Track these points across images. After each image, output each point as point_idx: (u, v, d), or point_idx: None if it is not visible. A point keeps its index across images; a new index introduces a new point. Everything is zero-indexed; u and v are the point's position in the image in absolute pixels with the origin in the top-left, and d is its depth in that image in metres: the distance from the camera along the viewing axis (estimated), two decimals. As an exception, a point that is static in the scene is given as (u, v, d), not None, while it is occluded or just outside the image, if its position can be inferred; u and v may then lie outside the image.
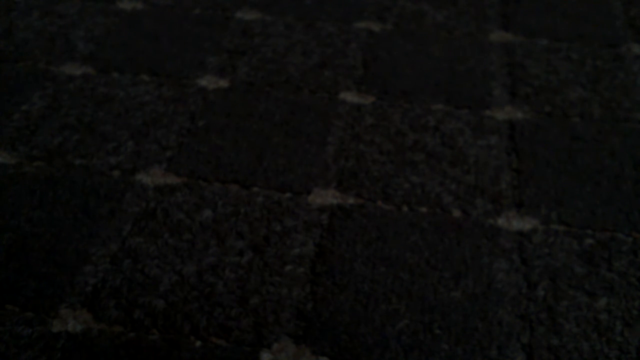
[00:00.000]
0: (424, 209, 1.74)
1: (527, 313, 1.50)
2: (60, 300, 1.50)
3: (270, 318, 1.47)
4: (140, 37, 2.36)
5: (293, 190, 1.79)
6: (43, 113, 2.02)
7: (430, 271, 1.58)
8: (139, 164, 1.86)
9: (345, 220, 1.71)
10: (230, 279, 1.55)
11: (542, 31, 2.45)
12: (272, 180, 1.82)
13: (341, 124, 2.01)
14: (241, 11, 2.52)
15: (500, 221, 1.71)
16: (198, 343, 1.42)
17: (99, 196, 1.75)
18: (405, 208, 1.74)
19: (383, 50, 2.33)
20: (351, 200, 1.76)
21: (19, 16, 2.46)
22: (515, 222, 1.71)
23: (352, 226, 1.69)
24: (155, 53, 2.29)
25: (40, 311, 1.48)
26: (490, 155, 1.91)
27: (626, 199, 1.78)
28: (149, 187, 1.79)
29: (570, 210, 1.75)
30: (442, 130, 1.99)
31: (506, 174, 1.85)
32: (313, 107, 2.07)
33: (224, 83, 2.17)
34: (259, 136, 1.96)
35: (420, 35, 2.42)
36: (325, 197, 1.77)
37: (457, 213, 1.73)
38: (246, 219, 1.70)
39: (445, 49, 2.34)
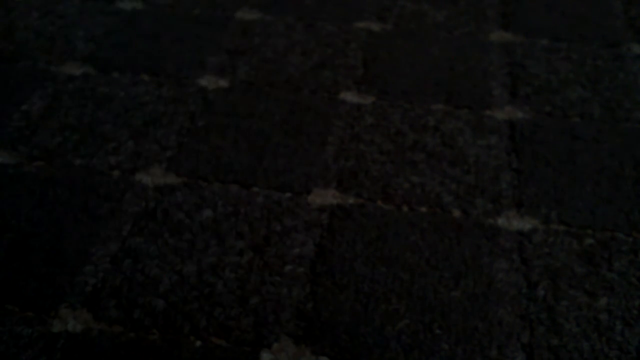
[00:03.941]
0: (424, 209, 1.74)
1: (527, 313, 1.50)
2: (60, 300, 1.50)
3: (270, 318, 1.47)
4: (140, 37, 2.36)
5: (293, 190, 1.79)
6: (43, 113, 2.02)
7: (430, 271, 1.58)
8: (139, 164, 1.86)
9: (345, 220, 1.71)
10: (230, 279, 1.55)
11: (542, 31, 2.45)
12: (272, 180, 1.82)
13: (341, 124, 2.01)
14: (241, 11, 2.52)
15: (500, 221, 1.71)
16: (198, 343, 1.42)
17: (99, 196, 1.75)
18: (405, 208, 1.74)
19: (383, 50, 2.33)
20: (351, 200, 1.76)
21: (19, 16, 2.46)
22: (515, 222, 1.71)
23: (352, 226, 1.69)
24: (155, 53, 2.29)
25: (40, 311, 1.48)
26: (490, 155, 1.91)
27: (626, 199, 1.78)
28: (149, 187, 1.79)
29: (570, 210, 1.75)
30: (442, 130, 1.99)
31: (506, 174, 1.85)
32: (313, 107, 2.07)
33: (224, 83, 2.17)
34: (259, 136, 1.96)
35: (420, 35, 2.42)
36: (325, 197, 1.77)
37: (457, 213, 1.73)
38: (246, 219, 1.70)
39: (445, 49, 2.34)
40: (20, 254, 1.60)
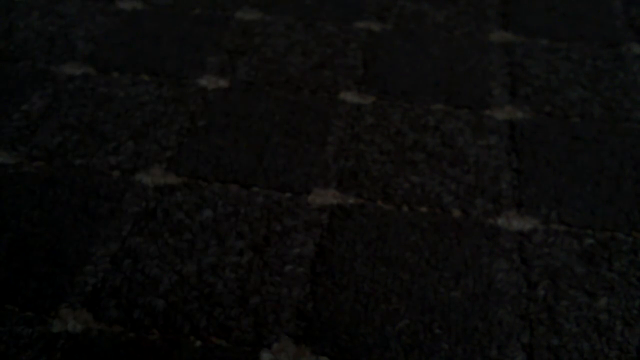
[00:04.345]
0: (424, 209, 1.74)
1: (527, 313, 1.50)
2: (60, 300, 1.50)
3: (270, 318, 1.47)
4: (140, 37, 2.36)
5: (293, 190, 1.79)
6: (43, 113, 2.02)
7: (430, 271, 1.58)
8: (139, 164, 1.86)
9: (345, 220, 1.71)
10: (230, 279, 1.55)
11: (542, 31, 2.45)
12: (272, 180, 1.82)
13: (341, 124, 2.01)
14: (241, 11, 2.52)
15: (500, 221, 1.71)
16: (198, 343, 1.42)
17: (99, 196, 1.75)
18: (405, 208, 1.74)
19: (383, 50, 2.33)
20: (351, 200, 1.76)
21: (19, 16, 2.47)
22: (515, 222, 1.71)
23: (352, 226, 1.69)
24: (155, 53, 2.29)
25: (40, 311, 1.48)
26: (490, 155, 1.91)
27: (626, 199, 1.78)
28: (149, 187, 1.79)
29: (570, 210, 1.75)
30: (442, 130, 1.99)
31: (506, 174, 1.85)
32: (313, 107, 2.07)
33: (224, 83, 2.17)
34: (259, 136, 1.96)
35: (420, 35, 2.42)
36: (325, 197, 1.77)
37: (457, 213, 1.73)
38: (246, 219, 1.70)
39: (445, 49, 2.34)
40: (20, 254, 1.60)
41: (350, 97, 2.12)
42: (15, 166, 1.84)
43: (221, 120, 2.02)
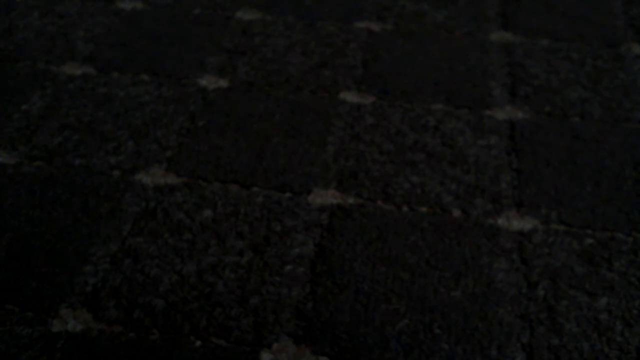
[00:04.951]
0: (424, 209, 1.74)
1: (527, 313, 1.50)
2: (60, 300, 1.50)
3: (270, 318, 1.47)
4: (140, 37, 2.36)
5: (293, 190, 1.79)
6: (43, 113, 2.02)
7: (430, 271, 1.58)
8: (139, 164, 1.86)
9: (345, 220, 1.71)
10: (230, 279, 1.55)
11: (542, 31, 2.45)
12: (272, 180, 1.82)
13: (341, 124, 2.01)
14: (241, 11, 2.52)
15: (500, 221, 1.71)
16: (198, 343, 1.42)
17: (99, 196, 1.75)
18: (405, 208, 1.74)
19: (383, 50, 2.33)
20: (351, 200, 1.76)
21: (19, 16, 2.46)
22: (515, 222, 1.71)
23: (352, 226, 1.69)
24: (155, 53, 2.29)
25: (40, 311, 1.48)
26: (490, 155, 1.91)
27: (626, 199, 1.78)
28: (149, 187, 1.79)
29: (570, 210, 1.75)
30: (442, 130, 1.99)
31: (506, 174, 1.85)
32: (313, 107, 2.07)
33: (224, 83, 2.17)
34: (259, 136, 1.96)
35: (420, 35, 2.42)
36: (325, 197, 1.77)
37: (457, 213, 1.73)
38: (246, 219, 1.70)
39: (445, 49, 2.34)
40: (20, 254, 1.60)
41: (350, 97, 2.12)
42: (15, 166, 1.84)
43: (221, 120, 2.02)
